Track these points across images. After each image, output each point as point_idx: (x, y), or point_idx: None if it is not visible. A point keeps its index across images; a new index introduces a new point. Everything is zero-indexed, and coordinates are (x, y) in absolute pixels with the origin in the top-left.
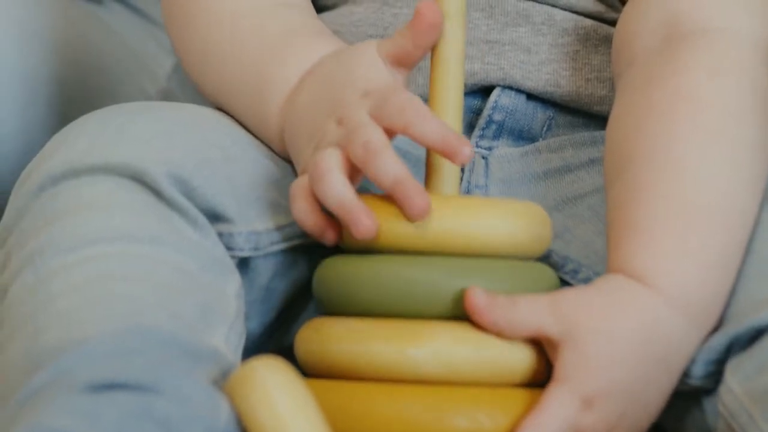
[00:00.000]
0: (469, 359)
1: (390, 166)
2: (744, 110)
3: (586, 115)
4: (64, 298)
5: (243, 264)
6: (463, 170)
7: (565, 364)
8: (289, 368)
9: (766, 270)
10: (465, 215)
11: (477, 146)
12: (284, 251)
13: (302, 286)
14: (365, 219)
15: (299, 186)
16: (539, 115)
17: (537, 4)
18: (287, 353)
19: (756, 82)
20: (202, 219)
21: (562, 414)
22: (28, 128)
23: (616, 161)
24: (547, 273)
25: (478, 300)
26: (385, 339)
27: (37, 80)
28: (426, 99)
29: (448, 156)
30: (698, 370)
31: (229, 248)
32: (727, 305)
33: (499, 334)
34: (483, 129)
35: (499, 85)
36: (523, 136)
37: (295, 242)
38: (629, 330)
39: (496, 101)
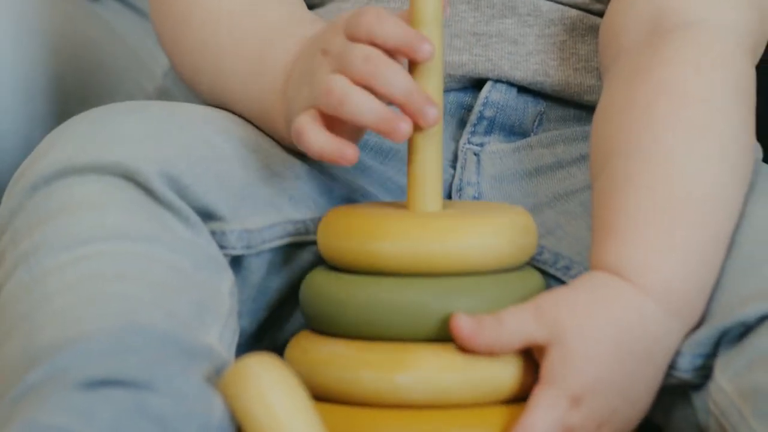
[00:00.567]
0: (458, 383)
1: (399, 76)
2: (728, 103)
3: (577, 107)
4: (60, 296)
5: (235, 262)
6: (454, 167)
7: (551, 365)
8: (283, 365)
9: (753, 264)
10: (449, 237)
11: (468, 142)
12: (276, 249)
13: (295, 285)
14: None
15: (305, 119)
16: (530, 109)
17: None
18: (280, 351)
19: (740, 75)
20: (195, 217)
21: (551, 414)
22: (27, 124)
23: (600, 155)
24: (532, 280)
25: (464, 326)
26: (373, 365)
27: (36, 77)
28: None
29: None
30: (685, 363)
31: (221, 247)
32: (714, 299)
33: (490, 354)
34: (474, 125)
35: (488, 78)
36: (515, 132)
37: (288, 240)
38: (613, 327)
39: (486, 97)
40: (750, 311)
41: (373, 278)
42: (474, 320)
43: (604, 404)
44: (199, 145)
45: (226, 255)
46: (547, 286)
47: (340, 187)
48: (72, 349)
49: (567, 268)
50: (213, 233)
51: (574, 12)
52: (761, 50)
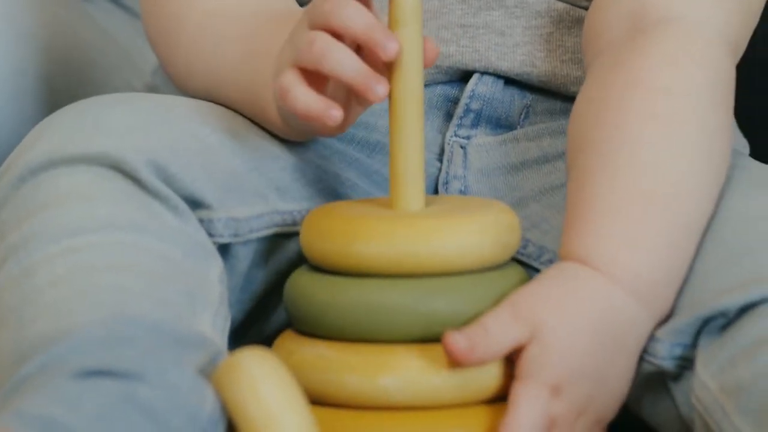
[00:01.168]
0: (441, 384)
1: (357, 13)
2: (704, 99)
3: (564, 100)
4: (51, 289)
5: (223, 251)
6: (441, 161)
7: (529, 360)
8: (275, 359)
9: (733, 255)
10: (431, 238)
11: (455, 135)
12: (263, 239)
13: (281, 276)
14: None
15: (289, 78)
16: (516, 102)
17: None
18: (267, 342)
19: (719, 72)
20: (183, 205)
21: (535, 407)
22: (16, 122)
23: (575, 147)
24: (516, 277)
25: (459, 345)
26: (356, 368)
27: (25, 76)
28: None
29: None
30: (664, 350)
31: (209, 234)
32: (695, 290)
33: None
34: (461, 118)
35: (475, 69)
36: (501, 125)
37: (274, 231)
38: (586, 318)
39: (473, 90)
40: (730, 301)
41: (355, 280)
42: (465, 336)
43: (582, 393)
44: (185, 136)
45: (214, 243)
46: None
47: (327, 179)
48: (64, 341)
49: (551, 261)
50: (201, 221)
51: (560, 4)
52: (742, 50)
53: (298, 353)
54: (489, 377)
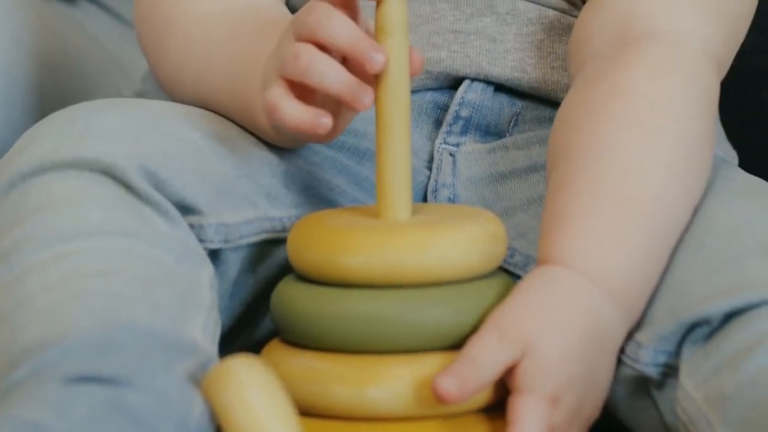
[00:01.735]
0: (430, 395)
1: (342, 26)
2: (686, 109)
3: (553, 107)
4: (43, 294)
5: (213, 256)
6: (430, 169)
7: (525, 374)
8: (264, 366)
9: (717, 263)
10: (418, 249)
11: (444, 142)
12: (253, 245)
13: (270, 282)
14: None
15: (276, 92)
16: (506, 110)
17: None
18: (256, 349)
19: (702, 86)
20: (174, 211)
21: (537, 421)
22: (6, 127)
23: (555, 154)
24: (503, 286)
25: (449, 388)
26: (345, 380)
27: (14, 82)
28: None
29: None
30: (647, 356)
31: (199, 240)
32: (678, 297)
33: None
34: (450, 125)
35: (466, 75)
36: (491, 132)
37: (264, 237)
38: (571, 323)
39: (462, 96)
40: (713, 307)
41: (343, 291)
42: (453, 376)
43: (576, 398)
44: (176, 141)
45: (204, 248)
46: None
47: (317, 186)
48: (55, 346)
49: None
50: (191, 227)
51: (552, 12)
52: (726, 67)
53: (285, 364)
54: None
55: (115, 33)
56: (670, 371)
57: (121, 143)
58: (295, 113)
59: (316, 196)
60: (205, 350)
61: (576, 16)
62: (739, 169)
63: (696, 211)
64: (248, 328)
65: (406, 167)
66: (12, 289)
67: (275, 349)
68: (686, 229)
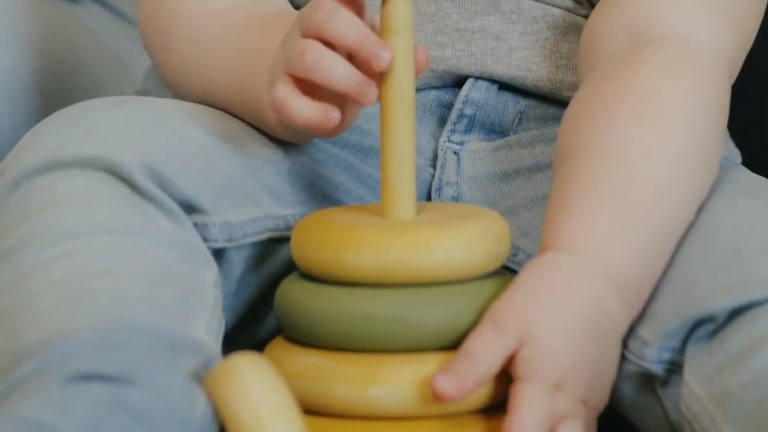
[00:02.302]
0: (431, 396)
1: (349, 24)
2: (695, 110)
3: (557, 106)
4: (46, 293)
5: (217, 255)
6: (434, 167)
7: (525, 362)
8: (267, 364)
9: (723, 261)
10: (421, 248)
11: (449, 141)
12: (257, 244)
13: (274, 281)
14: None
15: (283, 89)
16: (510, 108)
17: None
18: (259, 347)
19: (713, 89)
20: (178, 209)
21: (538, 407)
22: (9, 126)
23: (562, 150)
24: (506, 285)
25: (447, 388)
26: (347, 378)
27: (16, 79)
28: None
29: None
30: (653, 354)
31: (204, 239)
32: (684, 294)
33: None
34: (454, 123)
35: (470, 73)
36: (495, 130)
37: (268, 235)
38: (572, 310)
39: (467, 95)
40: (718, 304)
41: (346, 289)
42: (452, 375)
43: (582, 383)
44: (179, 139)
45: (208, 247)
46: None
47: (321, 184)
48: (59, 345)
49: None
50: (195, 225)
51: (556, 11)
52: (737, 71)
53: (288, 362)
54: (480, 387)
55: (117, 31)
56: (674, 368)
57: (125, 142)
58: (304, 110)
59: (320, 194)
60: (208, 349)
61: (582, 15)
62: (745, 168)
63: (701, 210)
64: (252, 327)
65: (411, 166)
66: (16, 287)
67: (278, 347)
68: (691, 227)
